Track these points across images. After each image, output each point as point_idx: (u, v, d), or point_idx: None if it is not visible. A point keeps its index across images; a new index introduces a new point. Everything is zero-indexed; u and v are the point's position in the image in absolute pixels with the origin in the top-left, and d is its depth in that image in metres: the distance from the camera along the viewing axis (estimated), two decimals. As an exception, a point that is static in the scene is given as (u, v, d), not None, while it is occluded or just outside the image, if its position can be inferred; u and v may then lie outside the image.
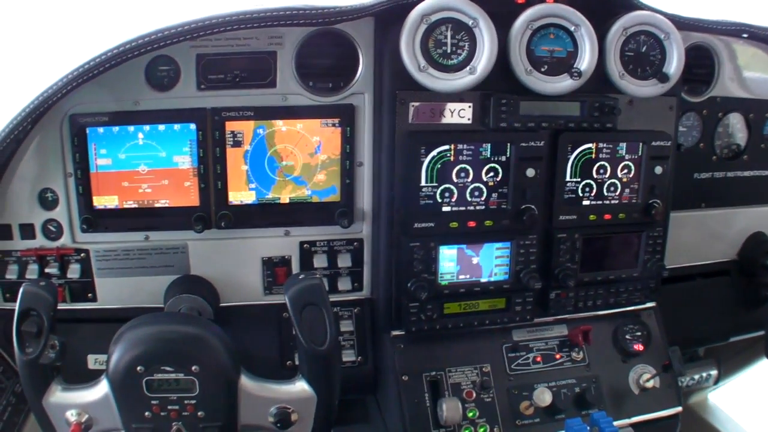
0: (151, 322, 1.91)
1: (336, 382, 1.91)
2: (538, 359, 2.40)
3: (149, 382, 1.79)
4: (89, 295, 2.33)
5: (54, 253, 2.27)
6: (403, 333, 2.33)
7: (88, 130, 2.17)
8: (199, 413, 1.83)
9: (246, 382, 1.88)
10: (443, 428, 2.27)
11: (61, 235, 2.27)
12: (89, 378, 1.90)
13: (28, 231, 2.26)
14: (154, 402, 1.81)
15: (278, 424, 1.90)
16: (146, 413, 1.83)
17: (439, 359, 2.33)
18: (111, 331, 2.09)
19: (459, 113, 2.19)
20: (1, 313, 2.31)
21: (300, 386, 1.90)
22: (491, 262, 2.31)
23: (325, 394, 1.90)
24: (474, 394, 2.31)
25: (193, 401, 1.82)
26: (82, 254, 2.29)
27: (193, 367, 1.78)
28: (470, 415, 2.29)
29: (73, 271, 2.28)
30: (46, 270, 2.27)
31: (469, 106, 2.19)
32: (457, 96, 2.17)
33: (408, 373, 2.30)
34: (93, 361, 2.39)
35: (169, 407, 1.82)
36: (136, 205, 2.26)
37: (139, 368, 1.78)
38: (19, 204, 2.23)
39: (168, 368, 1.79)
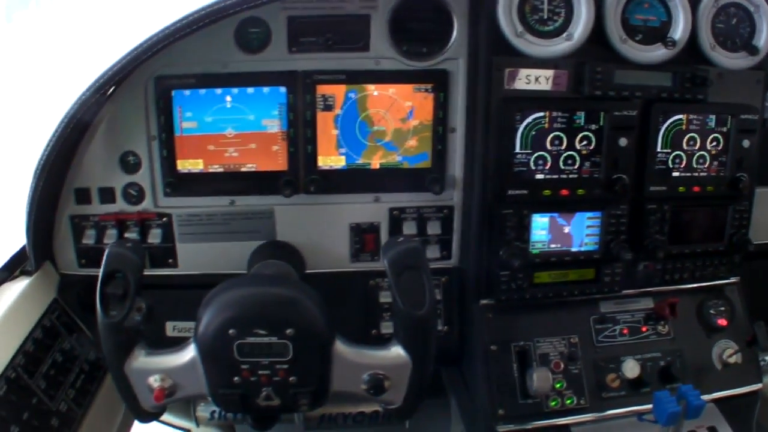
0: (245, 284, 1.87)
1: (432, 348, 1.88)
2: (625, 331, 2.37)
3: (240, 346, 1.75)
4: (170, 260, 2.30)
5: (135, 217, 2.24)
6: (492, 302, 2.30)
7: (173, 93, 2.13)
8: (291, 378, 1.79)
9: (340, 347, 1.84)
10: (531, 399, 2.25)
11: (143, 199, 2.24)
12: (167, 346, 1.87)
13: (107, 195, 2.22)
14: (244, 366, 1.77)
15: (370, 391, 1.87)
16: (235, 378, 1.79)
17: (528, 329, 2.31)
18: (191, 297, 2.06)
19: (554, 80, 2.16)
20: (76, 278, 2.29)
21: (395, 352, 1.86)
22: (582, 231, 2.28)
23: (420, 360, 1.86)
24: (562, 366, 2.29)
25: (285, 366, 1.77)
26: (164, 219, 2.25)
27: (288, 331, 1.74)
28: (557, 386, 2.26)
29: (154, 236, 2.25)
30: (126, 235, 2.23)
31: (565, 73, 2.16)
32: (553, 63, 2.14)
33: (496, 343, 2.27)
34: (171, 328, 2.38)
35: (260, 372, 1.78)
36: (221, 169, 2.22)
37: (231, 331, 1.74)
38: (99, 167, 2.19)
39: (261, 331, 1.75)
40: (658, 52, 2.14)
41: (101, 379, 2.39)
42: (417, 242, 1.86)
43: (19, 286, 2.10)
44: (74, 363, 2.25)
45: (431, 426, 2.81)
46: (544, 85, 2.16)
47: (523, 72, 2.14)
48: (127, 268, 1.83)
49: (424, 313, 1.79)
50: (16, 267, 2.19)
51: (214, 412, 2.89)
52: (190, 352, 1.82)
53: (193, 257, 2.29)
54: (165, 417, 2.69)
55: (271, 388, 1.80)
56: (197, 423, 2.96)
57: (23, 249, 2.19)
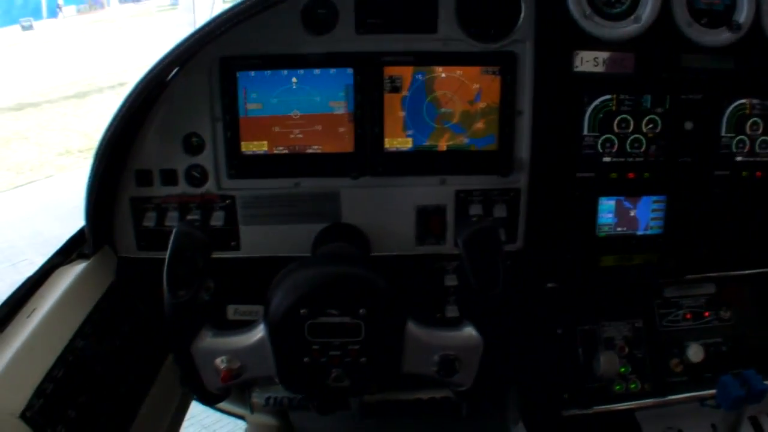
0: (319, 263, 1.87)
1: (504, 330, 1.88)
2: (688, 316, 2.38)
3: (312, 326, 1.75)
4: (232, 243, 2.27)
5: (197, 199, 2.22)
6: (558, 285, 2.30)
7: (238, 74, 2.11)
8: (362, 359, 1.79)
9: (412, 327, 1.83)
10: (596, 383, 2.25)
11: (205, 181, 2.21)
12: (228, 329, 1.87)
13: (169, 177, 2.20)
14: (315, 347, 1.77)
15: (441, 372, 1.86)
16: (305, 359, 1.79)
17: (593, 313, 2.31)
18: (253, 280, 2.05)
19: (621, 63, 2.16)
20: (135, 261, 2.26)
21: (467, 332, 1.85)
22: (647, 215, 2.28)
23: (493, 341, 1.86)
24: (626, 349, 2.29)
25: (357, 346, 1.78)
26: (227, 201, 2.23)
27: (361, 311, 1.74)
28: (622, 370, 2.28)
29: (217, 219, 2.22)
30: (188, 217, 2.21)
31: (631, 56, 2.16)
32: (620, 45, 2.14)
33: (562, 326, 2.27)
34: (233, 311, 2.35)
35: (331, 353, 1.78)
36: (286, 151, 2.19)
37: (302, 311, 1.73)
38: (162, 149, 2.17)
39: (334, 311, 1.75)
40: (723, 36, 2.14)
41: (160, 362, 2.39)
42: (491, 221, 1.85)
43: (76, 269, 2.08)
44: (133, 346, 2.24)
45: (487, 414, 2.81)
46: (611, 68, 2.15)
47: (591, 54, 2.14)
48: (196, 248, 1.82)
49: (498, 291, 1.79)
50: (73, 250, 2.16)
51: (269, 398, 2.88)
52: (258, 333, 1.82)
53: (256, 240, 2.26)
54: (219, 403, 2.68)
55: (341, 369, 1.80)
56: (252, 409, 2.96)
57: (80, 232, 2.17)
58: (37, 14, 35.32)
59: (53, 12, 37.00)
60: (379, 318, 1.76)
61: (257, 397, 2.91)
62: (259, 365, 1.85)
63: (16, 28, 32.51)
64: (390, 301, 1.78)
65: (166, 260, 1.81)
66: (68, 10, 37.49)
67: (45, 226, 9.08)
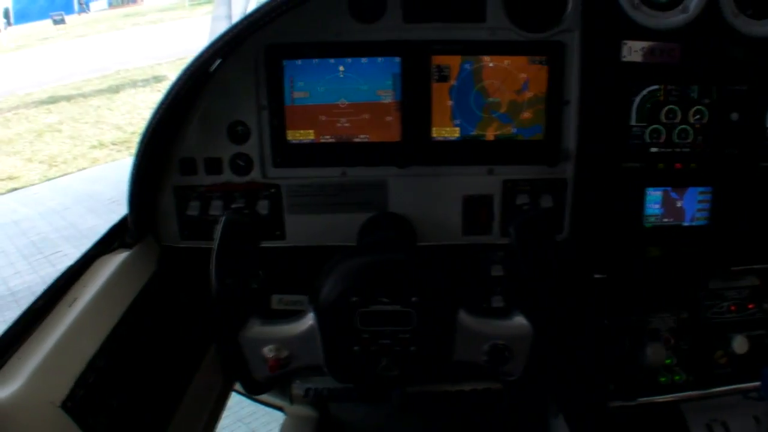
0: (370, 251, 1.87)
1: (555, 318, 1.88)
2: (732, 308, 2.36)
3: (363, 314, 1.75)
4: (277, 232, 2.26)
5: (242, 188, 2.22)
6: (604, 276, 2.29)
7: (284, 63, 2.12)
8: (412, 348, 1.79)
9: (463, 315, 1.83)
10: (642, 374, 2.24)
11: (251, 170, 2.21)
12: (272, 318, 1.87)
13: (214, 165, 2.20)
14: (365, 336, 1.77)
15: (491, 361, 1.86)
16: (354, 347, 1.79)
17: (639, 304, 2.30)
18: (298, 270, 2.05)
19: (668, 53, 2.14)
20: (177, 250, 2.27)
21: (518, 321, 1.86)
22: (693, 206, 2.26)
23: (543, 330, 1.86)
24: (671, 341, 2.28)
25: (408, 335, 1.78)
26: (272, 190, 2.23)
27: (413, 298, 1.74)
28: (667, 362, 2.27)
29: (262, 208, 2.22)
30: (232, 206, 2.21)
31: (678, 46, 2.14)
32: (667, 35, 2.12)
33: (608, 317, 2.26)
34: (277, 301, 2.35)
35: (381, 341, 1.78)
36: (333, 140, 2.20)
37: (353, 299, 1.74)
38: (206, 137, 2.18)
39: (385, 299, 1.75)
40: None
41: (202, 352, 2.39)
42: (544, 211, 1.85)
43: (118, 258, 2.07)
44: (175, 336, 2.24)
45: (526, 406, 2.81)
46: (658, 58, 2.14)
47: (639, 44, 2.13)
48: (244, 236, 1.83)
49: (550, 280, 1.79)
50: (114, 239, 2.16)
51: (309, 389, 2.90)
52: (308, 321, 1.82)
53: (302, 229, 2.26)
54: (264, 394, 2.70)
55: (391, 357, 1.80)
56: (291, 401, 2.97)
57: (122, 221, 2.18)
58: (68, 8, 35.75)
59: (85, 6, 37.41)
60: (431, 306, 1.77)
61: (297, 389, 2.92)
62: (307, 354, 1.86)
63: (48, 22, 32.93)
64: (442, 290, 1.79)
65: (214, 249, 1.82)
66: (99, 4, 37.87)
67: (79, 218, 9.18)
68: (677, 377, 2.26)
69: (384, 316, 1.77)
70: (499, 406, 2.89)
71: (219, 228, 1.88)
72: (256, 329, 1.86)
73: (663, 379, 2.26)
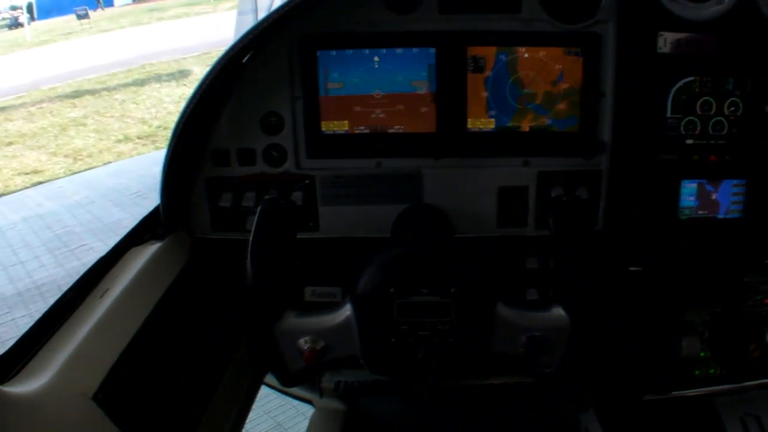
0: (408, 242, 1.87)
1: (594, 312, 1.87)
2: (765, 301, 2.34)
3: (401, 305, 1.74)
4: (311, 224, 2.26)
5: (276, 179, 2.22)
6: (639, 269, 2.28)
7: (318, 53, 2.12)
8: (450, 339, 1.78)
9: (501, 307, 1.83)
10: (676, 367, 2.23)
11: (284, 161, 2.22)
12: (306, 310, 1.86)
13: (247, 156, 2.21)
14: (403, 327, 1.76)
15: (529, 353, 1.85)
16: (392, 339, 1.78)
17: (673, 297, 2.29)
18: (331, 261, 2.05)
19: (704, 44, 2.13)
20: (209, 242, 2.27)
21: (557, 313, 1.84)
22: (728, 198, 2.24)
23: (582, 322, 1.85)
24: (706, 334, 2.27)
25: (446, 326, 1.76)
26: (306, 181, 2.23)
27: (452, 289, 1.74)
28: (701, 355, 2.25)
29: (296, 199, 2.22)
30: (265, 197, 2.19)
31: (713, 38, 2.13)
32: (703, 26, 2.11)
33: (643, 310, 2.25)
34: (310, 293, 2.34)
35: (419, 332, 1.77)
36: (367, 131, 2.20)
37: (392, 290, 1.73)
38: (240, 128, 2.18)
39: (424, 290, 1.74)
40: None
41: (234, 344, 2.40)
42: (581, 202, 1.84)
43: (150, 249, 2.07)
44: (207, 328, 2.24)
45: (555, 400, 2.81)
46: (694, 50, 2.12)
47: (674, 35, 2.11)
48: (281, 226, 1.83)
49: (590, 273, 1.78)
50: (146, 231, 2.16)
51: (339, 382, 2.89)
52: (345, 312, 1.81)
53: (336, 220, 2.26)
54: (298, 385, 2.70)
55: (429, 349, 1.79)
56: (321, 394, 2.97)
57: (154, 212, 2.18)
58: (91, 3, 36.02)
59: (109, 1, 37.69)
60: (470, 297, 1.76)
61: (327, 382, 2.93)
62: (343, 346, 1.85)
63: (71, 17, 33.21)
64: (481, 281, 1.78)
65: (251, 239, 1.82)
66: (122, -1, 38.16)
67: (104, 212, 9.17)
68: (711, 370, 2.25)
69: (422, 308, 1.75)
70: (529, 400, 2.88)
71: (256, 218, 1.89)
72: (292, 321, 1.84)
73: (697, 372, 2.25)
